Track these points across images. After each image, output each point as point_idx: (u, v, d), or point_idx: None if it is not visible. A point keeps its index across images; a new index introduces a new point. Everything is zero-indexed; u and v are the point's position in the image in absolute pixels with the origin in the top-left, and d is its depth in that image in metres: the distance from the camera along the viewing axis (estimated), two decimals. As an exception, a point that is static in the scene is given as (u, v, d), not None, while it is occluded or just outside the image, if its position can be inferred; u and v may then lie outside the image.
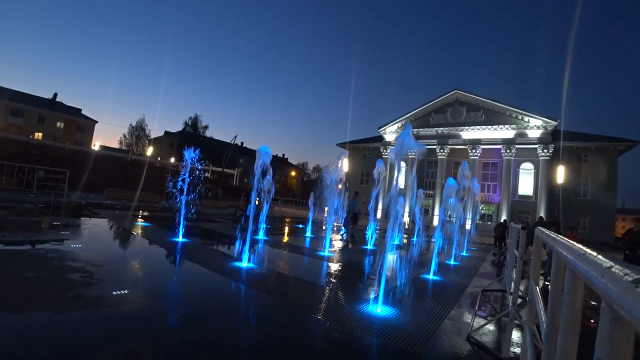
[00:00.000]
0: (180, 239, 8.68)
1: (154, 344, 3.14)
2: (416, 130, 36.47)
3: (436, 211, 33.75)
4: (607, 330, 0.55)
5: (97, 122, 60.16)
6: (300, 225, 17.11)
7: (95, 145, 49.59)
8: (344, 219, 13.88)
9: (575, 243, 0.93)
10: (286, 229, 15.46)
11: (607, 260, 0.59)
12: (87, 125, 58.67)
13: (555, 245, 1.19)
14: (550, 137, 30.45)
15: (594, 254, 0.68)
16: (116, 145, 60.75)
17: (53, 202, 14.86)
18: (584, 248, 0.79)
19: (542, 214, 29.59)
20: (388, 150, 37.82)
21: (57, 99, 58.46)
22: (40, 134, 49.00)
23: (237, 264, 6.69)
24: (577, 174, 30.17)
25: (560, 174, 28.24)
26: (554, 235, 1.42)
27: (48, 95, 58.20)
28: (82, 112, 60.48)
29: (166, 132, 70.46)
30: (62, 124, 54.83)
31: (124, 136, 62.71)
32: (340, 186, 11.77)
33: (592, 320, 5.41)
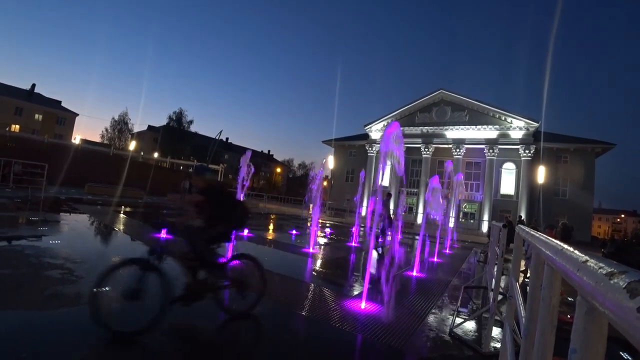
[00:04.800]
0: (162, 234, 8.55)
1: (135, 341, 3.10)
2: (401, 128, 36.77)
3: (420, 209, 34.17)
4: (582, 322, 0.58)
5: (77, 114, 58.58)
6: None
7: (76, 139, 48.27)
8: (382, 226, 11.32)
9: (553, 239, 0.96)
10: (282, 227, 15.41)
11: (583, 255, 0.61)
12: (67, 118, 57.01)
13: (534, 242, 1.23)
14: (532, 138, 31.17)
15: (571, 249, 0.71)
16: (98, 139, 59.29)
17: (30, 197, 14.41)
18: (562, 244, 0.81)
19: (523, 212, 30.31)
20: (374, 148, 38.04)
21: (35, 90, 56.63)
22: (17, 127, 47.40)
23: (219, 260, 6.62)
24: (557, 174, 31.01)
25: (541, 174, 28.95)
26: (533, 233, 1.46)
27: (25, 86, 56.35)
28: (62, 104, 58.80)
29: (149, 127, 69.17)
30: (41, 116, 53.12)
31: (106, 130, 61.16)
32: (325, 183, 11.63)
33: (568, 316, 5.59)
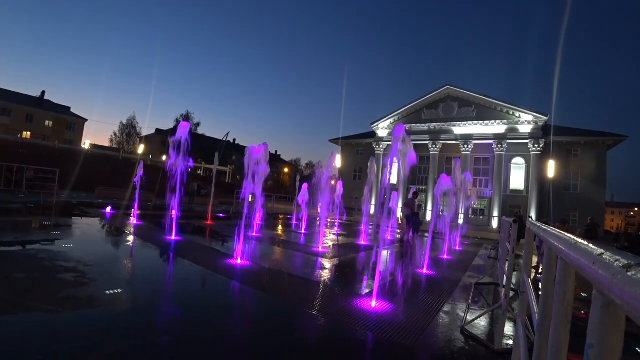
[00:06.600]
0: (173, 236, 8.64)
1: (147, 343, 3.13)
2: (408, 125, 36.56)
3: (429, 206, 33.97)
4: (598, 317, 0.56)
5: (86, 120, 59.34)
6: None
7: (86, 144, 48.97)
8: (412, 224, 11.71)
9: (566, 233, 0.94)
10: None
11: (598, 248, 0.60)
12: (76, 124, 57.79)
13: (547, 237, 1.21)
14: (541, 132, 30.74)
15: (585, 242, 0.70)
16: (107, 144, 60.02)
17: (43, 201, 14.65)
18: (575, 237, 0.80)
19: (533, 207, 29.96)
20: (381, 146, 37.91)
21: (45, 97, 57.48)
22: (29, 133, 48.16)
23: (230, 261, 6.68)
24: (567, 168, 30.53)
25: (551, 169, 28.58)
26: (545, 227, 1.44)
27: (35, 93, 57.21)
28: (71, 110, 59.61)
29: (157, 130, 69.74)
30: (51, 123, 53.90)
31: (115, 134, 61.94)
32: (333, 182, 11.56)
33: (582, 312, 5.51)
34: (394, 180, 38.32)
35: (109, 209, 13.70)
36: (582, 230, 17.51)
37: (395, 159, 5.23)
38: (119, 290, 4.36)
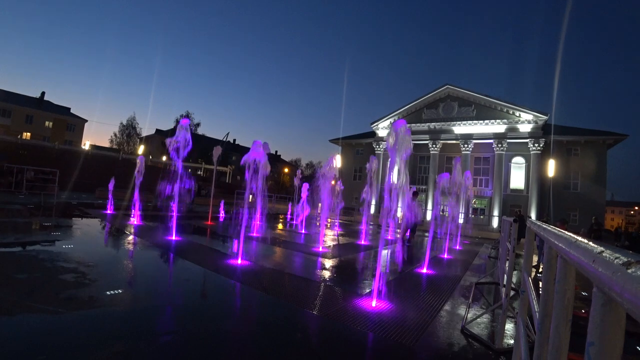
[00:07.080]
0: (173, 237, 8.64)
1: (148, 343, 3.13)
2: (408, 125, 36.57)
3: (429, 206, 33.98)
4: (599, 315, 0.56)
5: (86, 121, 59.35)
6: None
7: (86, 145, 48.93)
8: (410, 226, 12.35)
9: (566, 232, 0.94)
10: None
11: (598, 246, 0.60)
12: (76, 124, 57.82)
13: (547, 235, 1.21)
14: (541, 132, 30.74)
15: (585, 241, 0.70)
16: (107, 145, 60.03)
17: (43, 202, 14.65)
18: (575, 236, 0.80)
19: (533, 207, 29.96)
20: (381, 146, 37.90)
21: (45, 98, 57.51)
22: (29, 134, 48.20)
23: (231, 261, 6.68)
24: (567, 167, 30.53)
25: (551, 168, 28.56)
26: (545, 226, 1.44)
27: (35, 94, 57.35)
28: (71, 110, 59.62)
29: (157, 130, 69.75)
30: (51, 124, 53.93)
31: (115, 135, 61.93)
32: (334, 182, 11.59)
33: (582, 311, 5.51)
34: (394, 179, 38.11)
35: (109, 206, 13.71)
36: (586, 229, 17.53)
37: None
38: (120, 291, 4.36)
